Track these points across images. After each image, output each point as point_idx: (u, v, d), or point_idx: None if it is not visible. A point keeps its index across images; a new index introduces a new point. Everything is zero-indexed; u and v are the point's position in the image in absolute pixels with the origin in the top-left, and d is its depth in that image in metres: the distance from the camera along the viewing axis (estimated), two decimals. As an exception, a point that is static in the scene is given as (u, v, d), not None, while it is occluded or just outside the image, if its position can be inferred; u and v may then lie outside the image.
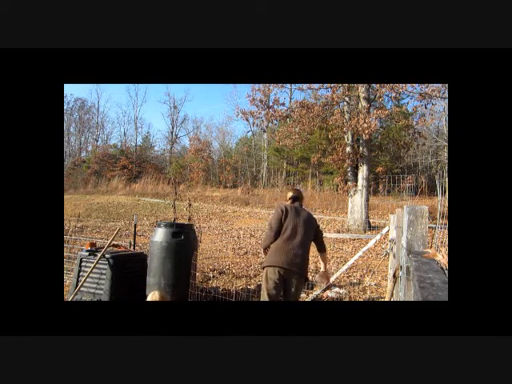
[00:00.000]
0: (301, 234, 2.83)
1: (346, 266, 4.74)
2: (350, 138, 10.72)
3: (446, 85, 7.50)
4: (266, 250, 2.94)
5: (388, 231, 4.37)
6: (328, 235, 7.97)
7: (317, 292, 4.63)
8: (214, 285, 5.21)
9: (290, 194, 3.11)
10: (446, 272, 1.39)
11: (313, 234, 2.97)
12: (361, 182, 10.41)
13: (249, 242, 8.95)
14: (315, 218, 3.06)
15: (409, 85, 9.48)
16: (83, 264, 3.98)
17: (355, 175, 10.70)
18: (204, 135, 32.16)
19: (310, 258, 3.07)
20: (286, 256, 2.76)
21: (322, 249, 3.12)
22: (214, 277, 5.58)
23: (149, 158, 30.61)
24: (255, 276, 5.78)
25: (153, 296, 2.63)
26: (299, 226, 2.86)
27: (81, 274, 3.95)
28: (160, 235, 3.80)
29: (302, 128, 10.68)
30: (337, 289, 4.85)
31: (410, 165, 22.65)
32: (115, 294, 3.72)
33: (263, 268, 2.90)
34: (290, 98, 21.84)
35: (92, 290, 3.80)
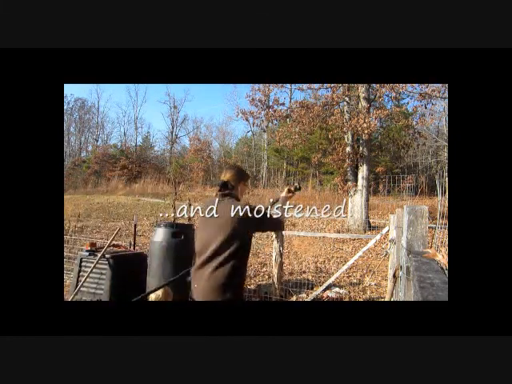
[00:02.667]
0: (213, 252, 1.78)
1: (345, 266, 4.73)
2: (350, 138, 10.72)
3: (446, 85, 7.50)
4: None
5: (388, 231, 4.37)
6: (328, 235, 7.97)
7: (317, 292, 4.63)
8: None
9: (218, 181, 2.01)
10: (446, 272, 1.39)
11: (243, 236, 1.82)
12: (361, 181, 10.41)
13: (249, 242, 8.93)
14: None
15: (409, 85, 9.49)
16: (83, 264, 3.98)
17: (355, 175, 10.71)
18: (204, 135, 32.20)
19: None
20: (196, 295, 1.85)
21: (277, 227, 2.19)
22: (213, 277, 5.57)
23: (149, 158, 30.61)
24: (255, 276, 5.78)
25: (157, 294, 2.64)
26: (211, 240, 1.81)
27: (81, 273, 3.95)
28: (160, 235, 3.80)
29: (302, 128, 10.69)
30: (337, 289, 4.85)
31: (410, 165, 22.66)
32: (115, 294, 3.72)
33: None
34: (290, 98, 21.86)
35: (92, 290, 3.80)
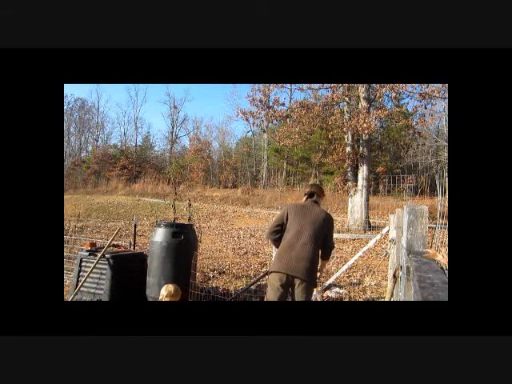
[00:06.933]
0: (307, 235, 2.56)
1: (345, 266, 4.74)
2: (350, 138, 10.73)
3: (446, 85, 7.50)
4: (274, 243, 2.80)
5: (388, 231, 4.37)
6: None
7: (317, 292, 4.62)
8: (213, 285, 5.21)
9: (306, 190, 2.85)
10: (446, 272, 1.39)
11: (324, 235, 2.65)
12: (361, 182, 10.42)
13: (249, 242, 8.95)
14: (331, 219, 2.73)
15: (409, 85, 9.49)
16: (83, 264, 3.98)
17: (355, 175, 10.71)
18: (204, 135, 32.22)
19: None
20: (288, 261, 2.51)
21: (324, 256, 2.76)
22: (213, 277, 5.58)
23: (149, 158, 30.61)
24: (255, 276, 5.77)
25: (167, 288, 2.67)
26: (306, 226, 2.59)
27: (81, 273, 3.95)
28: (160, 235, 3.80)
29: (302, 128, 10.70)
30: (337, 289, 4.85)
31: (410, 165, 22.65)
32: (115, 294, 3.72)
33: (268, 273, 2.68)
34: (290, 98, 21.84)
35: (92, 290, 3.80)
